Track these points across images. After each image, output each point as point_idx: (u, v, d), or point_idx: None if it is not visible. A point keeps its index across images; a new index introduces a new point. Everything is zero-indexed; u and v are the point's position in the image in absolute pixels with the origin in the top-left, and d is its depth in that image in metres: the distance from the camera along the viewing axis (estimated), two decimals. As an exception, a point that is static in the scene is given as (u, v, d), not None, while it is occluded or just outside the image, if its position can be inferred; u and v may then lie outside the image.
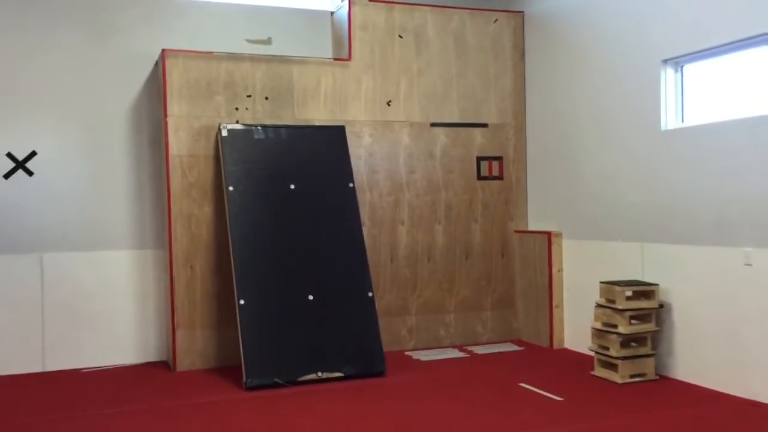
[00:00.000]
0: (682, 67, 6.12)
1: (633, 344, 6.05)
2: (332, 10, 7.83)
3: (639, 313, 6.03)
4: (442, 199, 7.68)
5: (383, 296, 7.36)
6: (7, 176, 6.78)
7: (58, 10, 6.93)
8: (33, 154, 6.86)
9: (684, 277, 5.91)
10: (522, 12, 7.94)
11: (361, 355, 6.36)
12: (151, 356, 7.16)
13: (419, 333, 7.55)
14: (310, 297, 6.46)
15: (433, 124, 7.65)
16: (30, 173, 6.84)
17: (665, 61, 6.12)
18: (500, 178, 7.89)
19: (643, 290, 6.06)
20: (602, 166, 6.83)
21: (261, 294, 6.33)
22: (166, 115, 6.73)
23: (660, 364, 6.09)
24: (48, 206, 6.89)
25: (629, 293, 6.00)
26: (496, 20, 7.86)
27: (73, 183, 6.99)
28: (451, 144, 7.71)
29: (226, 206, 6.57)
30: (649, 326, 6.03)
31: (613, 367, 6.02)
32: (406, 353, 7.26)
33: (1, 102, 6.78)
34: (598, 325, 6.20)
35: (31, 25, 6.85)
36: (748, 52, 5.54)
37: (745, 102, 5.57)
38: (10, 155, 6.79)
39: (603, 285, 6.25)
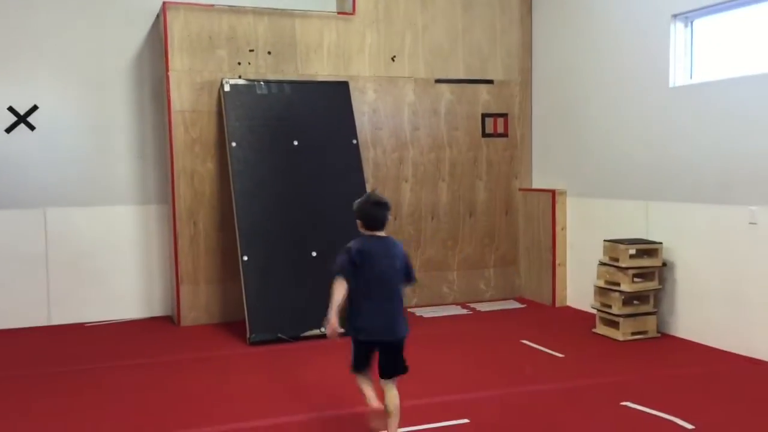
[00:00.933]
0: (692, 22, 6.00)
1: (635, 302, 6.06)
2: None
3: (642, 272, 6.02)
4: (446, 156, 7.63)
5: (386, 253, 7.34)
6: (8, 130, 6.75)
7: (56, -39, 6.82)
8: (34, 108, 6.81)
9: (688, 235, 5.88)
10: (530, -35, 7.78)
11: (364, 311, 6.38)
12: (156, 311, 7.22)
13: (422, 290, 7.57)
14: (313, 253, 6.46)
15: (438, 81, 7.56)
16: (32, 127, 6.81)
17: (675, 16, 6.00)
18: (505, 135, 7.82)
19: (647, 248, 6.04)
20: (609, 123, 6.75)
21: (264, 250, 6.34)
22: (167, 70, 6.66)
23: (662, 322, 6.11)
24: (50, 161, 6.87)
25: (633, 251, 5.99)
26: (504, -26, 7.70)
27: (75, 138, 6.95)
28: (456, 101, 7.63)
29: (229, 162, 6.53)
30: (652, 284, 6.03)
31: (614, 324, 6.04)
32: (409, 310, 7.30)
33: (3, 56, 6.70)
34: (601, 283, 6.21)
35: (30, -24, 6.74)
36: (761, 6, 5.42)
37: (756, 58, 5.47)
38: (11, 109, 6.75)
39: (607, 243, 6.23)
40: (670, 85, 6.04)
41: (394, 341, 3.70)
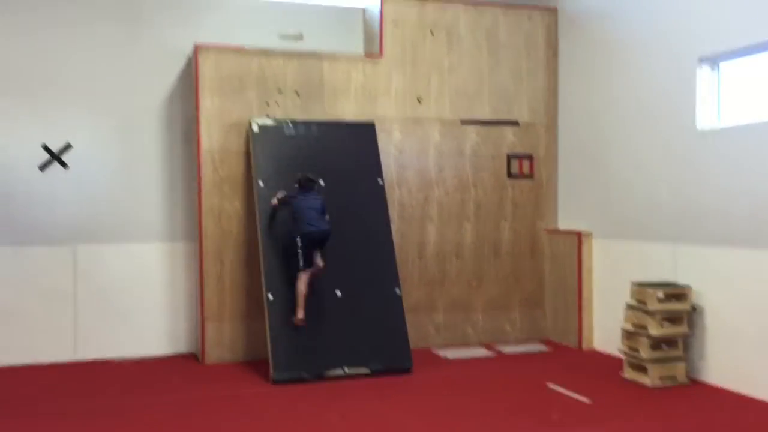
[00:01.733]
0: (719, 65, 6.00)
1: (664, 347, 5.95)
2: (364, 7, 7.83)
3: (670, 315, 5.93)
4: (471, 196, 7.64)
5: (411, 293, 7.34)
6: (42, 168, 6.90)
7: (96, 5, 7.02)
8: (68, 146, 6.97)
9: (718, 279, 5.80)
10: (555, 9, 7.85)
11: (388, 351, 6.36)
12: (181, 348, 7.24)
13: (447, 330, 7.52)
14: (338, 292, 6.47)
15: (463, 122, 7.61)
16: (65, 165, 6.95)
17: (702, 59, 6.00)
18: (531, 176, 7.82)
19: (675, 292, 5.96)
20: (635, 165, 6.73)
21: (289, 289, 6.35)
22: (198, 110, 6.79)
23: (691, 368, 5.99)
24: (81, 198, 7.00)
25: (661, 295, 5.91)
26: (530, 17, 7.78)
27: (106, 175, 7.09)
28: (481, 142, 7.66)
29: (256, 201, 6.60)
30: (681, 329, 5.93)
31: (643, 369, 5.93)
32: (433, 351, 7.24)
33: (39, 94, 6.89)
34: (629, 327, 6.12)
35: (70, 20, 6.96)
36: (789, 50, 5.42)
37: (785, 102, 5.45)
38: (45, 147, 6.90)
39: (634, 286, 6.16)
40: (698, 128, 6.02)
41: (325, 230, 6.29)
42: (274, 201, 6.41)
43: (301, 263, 6.20)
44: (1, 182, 6.78)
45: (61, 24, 6.93)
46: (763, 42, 5.49)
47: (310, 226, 6.21)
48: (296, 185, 6.40)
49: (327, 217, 6.34)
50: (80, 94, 7.00)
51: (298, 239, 6.22)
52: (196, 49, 6.80)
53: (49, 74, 6.92)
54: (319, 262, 6.32)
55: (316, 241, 6.26)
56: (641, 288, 6.06)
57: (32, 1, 6.84)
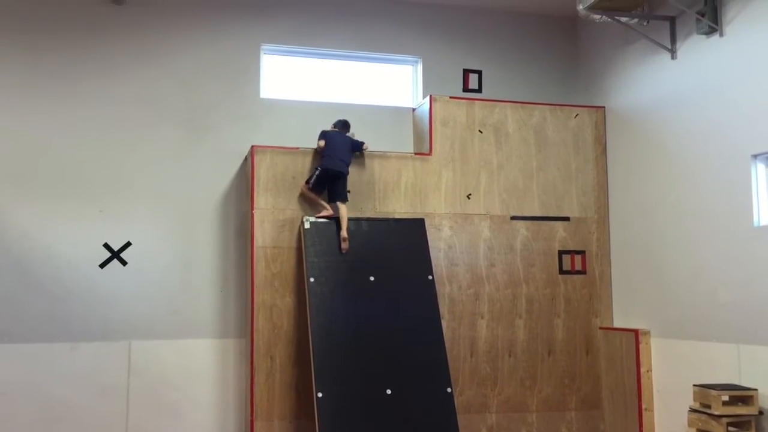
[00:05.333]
0: (773, 161, 5.95)
1: (732, 454, 5.65)
2: (413, 107, 8.06)
3: (737, 420, 5.65)
4: (522, 293, 7.55)
5: (462, 392, 7.18)
6: (102, 266, 7.11)
7: (158, 109, 7.42)
8: (128, 244, 7.19)
9: (786, 382, 5.53)
10: (603, 107, 7.95)
11: (440, 454, 6.17)
12: (229, 446, 7.17)
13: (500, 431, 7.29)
14: (388, 391, 6.37)
15: (513, 218, 7.62)
16: (124, 263, 7.16)
17: (755, 156, 5.96)
18: (583, 272, 7.71)
19: (741, 395, 5.69)
20: (691, 262, 6.59)
21: (339, 386, 6.29)
22: (252, 208, 6.98)
23: (763, 477, 5.64)
24: (138, 294, 7.15)
25: (726, 398, 5.65)
26: (577, 115, 7.89)
27: (162, 272, 7.26)
28: (531, 237, 7.64)
29: (307, 297, 6.65)
30: (749, 435, 5.63)
31: (710, 478, 5.61)
32: (486, 453, 6.99)
33: (103, 194, 7.19)
34: (693, 432, 5.84)
35: (133, 122, 7.34)
36: None
37: None
38: (106, 245, 7.14)
39: (697, 388, 5.92)
40: (755, 224, 5.91)
41: (340, 171, 6.94)
42: (321, 143, 7.05)
43: (312, 181, 6.97)
44: (64, 279, 6.99)
45: (124, 127, 7.31)
46: (818, 138, 5.44)
47: (331, 160, 6.92)
48: (332, 126, 7.24)
49: (356, 153, 7.18)
50: (141, 193, 7.28)
51: (320, 168, 6.94)
52: (252, 150, 7.06)
53: (113, 175, 7.24)
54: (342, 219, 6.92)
55: (331, 177, 6.94)
56: (704, 390, 5.82)
57: (95, 106, 7.24)
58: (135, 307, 7.13)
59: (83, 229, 7.10)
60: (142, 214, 7.28)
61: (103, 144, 7.25)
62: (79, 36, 7.30)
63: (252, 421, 6.71)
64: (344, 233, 6.84)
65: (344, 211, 6.93)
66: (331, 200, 7.00)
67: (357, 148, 7.19)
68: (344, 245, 6.84)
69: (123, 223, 7.20)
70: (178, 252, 7.33)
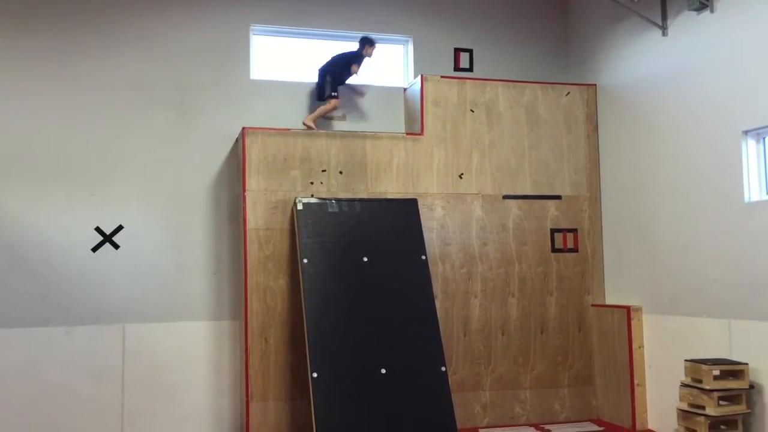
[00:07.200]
0: (764, 138, 5.96)
1: (722, 427, 5.71)
2: (405, 87, 8.03)
3: (728, 394, 5.71)
4: (515, 271, 7.58)
5: (456, 371, 7.23)
6: (95, 249, 7.10)
7: (148, 92, 7.37)
8: (120, 228, 7.17)
9: (776, 356, 5.59)
10: (594, 85, 7.94)
11: (435, 430, 6.22)
12: (225, 428, 7.20)
13: (494, 409, 7.34)
14: (383, 370, 6.41)
15: (505, 197, 7.63)
16: (116, 246, 7.15)
17: (746, 132, 5.98)
18: (575, 250, 7.74)
19: (732, 369, 5.75)
20: (683, 239, 6.62)
21: (334, 367, 6.32)
22: (244, 190, 6.96)
23: (753, 449, 5.72)
24: (131, 278, 7.15)
25: (717, 372, 5.71)
26: (568, 93, 7.89)
27: (155, 255, 7.25)
28: (524, 216, 7.66)
29: (301, 279, 6.66)
30: (740, 408, 5.70)
31: (701, 451, 5.69)
32: (480, 430, 7.06)
33: (94, 178, 7.16)
34: (684, 406, 5.90)
35: (123, 106, 7.29)
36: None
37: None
38: (98, 229, 7.12)
39: (688, 363, 5.98)
40: (745, 200, 5.94)
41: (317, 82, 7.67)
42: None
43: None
44: (58, 264, 6.98)
45: (115, 111, 7.26)
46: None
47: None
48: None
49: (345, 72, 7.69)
50: (132, 177, 7.26)
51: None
52: (244, 132, 7.03)
53: (103, 159, 7.21)
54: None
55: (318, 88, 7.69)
56: (696, 365, 5.88)
57: (86, 90, 7.20)
58: (128, 290, 7.13)
59: (75, 214, 7.07)
60: (134, 197, 7.26)
61: (93, 128, 7.20)
62: (66, 20, 7.22)
63: (248, 402, 6.75)
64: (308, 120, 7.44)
65: (323, 106, 7.55)
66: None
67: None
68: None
69: (114, 207, 7.18)
70: (170, 235, 7.32)
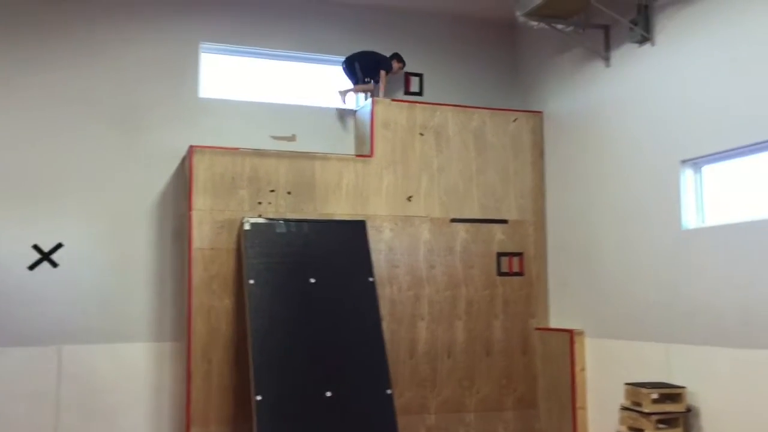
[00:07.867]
0: (701, 167, 6.17)
1: (661, 450, 5.83)
2: (355, 109, 8.06)
3: (666, 417, 5.83)
4: (462, 294, 7.63)
5: (402, 393, 7.21)
6: (32, 267, 6.87)
7: (93, 107, 7.21)
8: (59, 245, 6.97)
9: (712, 380, 5.74)
10: (541, 112, 8.12)
11: (379, 455, 6.18)
12: (164, 453, 7.02)
13: (439, 433, 7.35)
14: (328, 393, 6.35)
15: (453, 220, 7.70)
16: (54, 264, 6.93)
17: (684, 162, 6.17)
18: (521, 274, 7.85)
19: (670, 393, 5.89)
20: (623, 264, 6.78)
21: (278, 389, 6.24)
22: (190, 209, 6.86)
23: (690, 471, 5.84)
24: (70, 297, 6.94)
25: (655, 396, 5.83)
26: (516, 119, 8.04)
27: (96, 275, 7.06)
28: (471, 239, 7.73)
29: (246, 299, 6.57)
30: (678, 431, 5.82)
31: (640, 474, 5.78)
32: (425, 454, 7.04)
33: (30, 194, 6.95)
34: (624, 430, 6.00)
35: (67, 121, 7.12)
36: (765, 154, 5.58)
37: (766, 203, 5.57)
38: (36, 247, 6.90)
39: (628, 387, 6.09)
40: (683, 227, 6.12)
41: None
42: None
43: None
44: (-10, 281, 6.74)
45: (57, 126, 7.08)
46: (742, 147, 5.66)
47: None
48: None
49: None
50: (74, 194, 7.06)
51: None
52: (191, 150, 6.94)
53: (45, 175, 7.01)
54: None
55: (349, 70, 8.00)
56: (635, 388, 5.99)
57: (28, 103, 7.01)
58: (66, 310, 6.91)
59: (11, 230, 6.84)
60: (75, 215, 7.07)
61: (35, 142, 7.00)
62: (8, 31, 7.04)
63: (188, 427, 6.59)
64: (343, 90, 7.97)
65: (361, 85, 7.91)
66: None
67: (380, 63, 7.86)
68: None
69: (54, 224, 6.97)
70: (112, 254, 7.14)
